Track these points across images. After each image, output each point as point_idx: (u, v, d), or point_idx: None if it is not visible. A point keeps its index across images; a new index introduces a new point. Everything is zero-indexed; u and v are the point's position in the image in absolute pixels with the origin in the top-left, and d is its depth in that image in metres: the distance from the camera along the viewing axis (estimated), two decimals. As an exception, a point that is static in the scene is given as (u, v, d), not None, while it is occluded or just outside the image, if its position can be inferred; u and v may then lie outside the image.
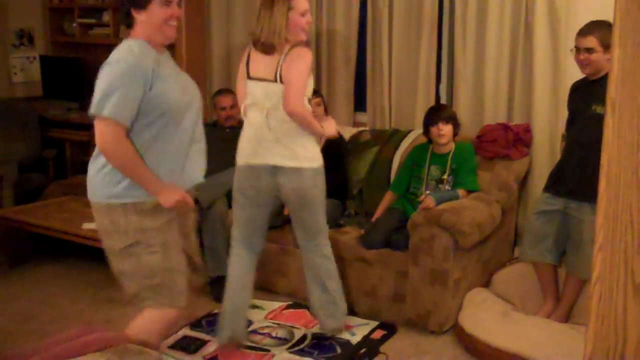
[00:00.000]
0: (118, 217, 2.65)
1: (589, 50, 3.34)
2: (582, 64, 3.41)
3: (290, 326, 3.82)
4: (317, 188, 3.34)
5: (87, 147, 5.76)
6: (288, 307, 4.06)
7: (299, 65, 3.23)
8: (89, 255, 4.63)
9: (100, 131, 2.58)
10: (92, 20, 6.11)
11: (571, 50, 3.47)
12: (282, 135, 3.26)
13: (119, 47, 2.64)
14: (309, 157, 3.30)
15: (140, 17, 2.62)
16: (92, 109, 2.57)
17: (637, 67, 1.43)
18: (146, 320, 2.77)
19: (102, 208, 2.68)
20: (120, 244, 2.68)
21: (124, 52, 2.59)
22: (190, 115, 2.73)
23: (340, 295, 3.57)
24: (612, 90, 1.49)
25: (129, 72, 2.54)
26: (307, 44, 3.45)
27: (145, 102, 2.57)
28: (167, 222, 2.69)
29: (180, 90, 2.69)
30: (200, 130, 2.81)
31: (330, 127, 3.40)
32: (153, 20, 2.61)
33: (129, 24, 2.66)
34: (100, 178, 2.66)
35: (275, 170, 3.30)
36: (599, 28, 3.30)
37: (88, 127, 5.74)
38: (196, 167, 2.81)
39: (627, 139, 1.46)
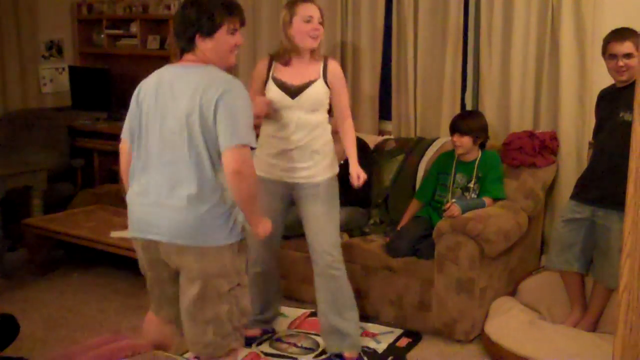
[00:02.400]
0: (226, 260, 2.56)
1: (628, 55, 3.31)
2: (619, 70, 3.36)
3: (315, 334, 3.81)
4: None
5: (115, 157, 5.82)
6: (312, 314, 4.06)
7: None
8: (117, 263, 4.69)
9: (241, 156, 2.48)
10: (120, 32, 6.19)
11: (610, 55, 3.40)
12: None
13: (220, 74, 2.58)
14: None
15: (205, 45, 2.57)
16: (238, 140, 2.48)
17: (665, 74, 1.43)
18: None
19: (211, 251, 2.55)
20: (224, 287, 2.58)
21: (233, 82, 2.56)
22: None
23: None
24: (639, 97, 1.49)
25: (247, 98, 2.58)
26: (316, 52, 3.43)
27: None
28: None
29: None
30: None
31: None
32: (219, 48, 2.58)
33: (188, 49, 2.61)
34: (213, 219, 2.53)
35: None
36: (632, 34, 3.28)
37: (116, 136, 5.81)
38: None
39: (655, 146, 1.45)
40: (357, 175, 3.45)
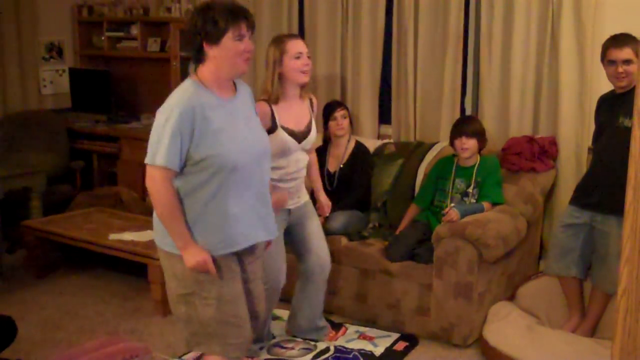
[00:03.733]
0: (176, 266, 2.62)
1: (627, 61, 3.32)
2: (618, 77, 3.37)
3: (312, 339, 3.81)
4: None
5: (114, 159, 5.83)
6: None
7: None
8: (115, 265, 4.69)
9: (150, 174, 2.54)
10: (120, 34, 6.20)
11: (609, 61, 3.40)
12: None
13: (177, 89, 2.61)
14: None
15: (212, 52, 2.56)
16: (148, 158, 2.54)
17: (664, 80, 1.43)
18: None
19: (162, 253, 2.68)
20: (177, 291, 2.66)
21: (177, 97, 2.56)
22: (246, 179, 2.63)
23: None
24: (639, 103, 1.49)
25: (176, 122, 2.50)
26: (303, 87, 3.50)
27: (192, 154, 2.55)
28: (225, 274, 2.65)
29: (234, 150, 2.59)
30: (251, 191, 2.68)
31: None
32: (226, 55, 2.56)
33: (200, 59, 2.61)
34: (159, 224, 2.64)
35: None
36: (631, 40, 3.28)
37: (115, 139, 5.84)
38: (231, 236, 2.67)
39: (654, 152, 1.45)
40: (327, 204, 3.81)
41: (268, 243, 2.91)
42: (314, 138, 3.58)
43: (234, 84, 2.72)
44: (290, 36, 3.54)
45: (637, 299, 1.47)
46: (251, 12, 5.11)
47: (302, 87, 3.49)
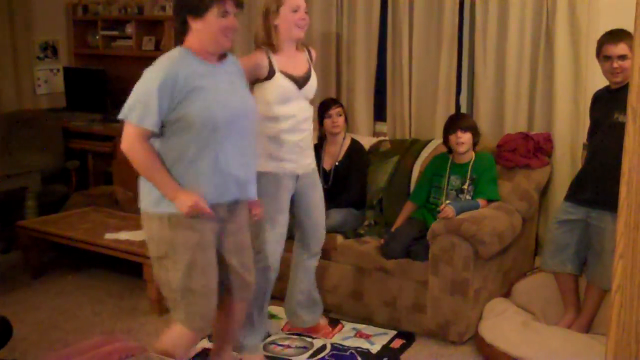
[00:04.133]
0: (153, 227, 2.70)
1: (622, 57, 3.32)
2: (614, 72, 3.38)
3: (308, 336, 3.81)
4: None
5: (109, 159, 5.82)
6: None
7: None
8: (111, 265, 4.68)
9: (124, 133, 2.64)
10: (115, 33, 6.19)
11: (604, 57, 3.42)
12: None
13: (166, 53, 2.69)
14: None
15: (196, 25, 2.64)
16: (122, 114, 2.63)
17: (657, 75, 1.43)
18: (170, 334, 2.81)
19: (143, 214, 2.76)
20: (153, 253, 2.74)
21: (164, 59, 2.65)
22: (229, 136, 2.71)
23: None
24: (633, 99, 1.50)
25: (159, 81, 2.58)
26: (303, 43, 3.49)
27: (176, 114, 2.61)
28: (200, 241, 2.69)
29: (217, 108, 2.67)
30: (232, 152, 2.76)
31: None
32: (209, 30, 2.63)
33: (184, 31, 2.68)
34: (142, 185, 2.73)
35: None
36: (627, 35, 3.29)
37: (111, 138, 5.82)
38: (211, 192, 2.74)
39: (648, 147, 1.46)
40: None
41: (255, 210, 3.04)
42: (315, 85, 3.50)
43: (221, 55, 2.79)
44: None
45: (631, 294, 1.48)
46: (246, 10, 5.12)
47: (297, 42, 3.43)
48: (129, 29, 6.07)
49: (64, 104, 6.36)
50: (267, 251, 3.44)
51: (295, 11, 3.31)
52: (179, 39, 2.73)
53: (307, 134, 3.48)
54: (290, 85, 3.36)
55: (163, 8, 5.82)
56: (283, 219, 3.47)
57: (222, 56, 2.80)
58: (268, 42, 3.34)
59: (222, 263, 2.87)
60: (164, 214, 2.67)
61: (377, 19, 4.83)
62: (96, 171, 6.08)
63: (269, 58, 3.33)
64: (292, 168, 3.43)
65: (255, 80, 3.33)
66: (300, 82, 3.40)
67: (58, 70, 6.40)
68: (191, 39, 2.68)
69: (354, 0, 4.86)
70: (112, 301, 4.36)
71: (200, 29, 2.64)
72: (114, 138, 5.77)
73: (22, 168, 5.16)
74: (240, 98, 2.82)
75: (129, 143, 2.62)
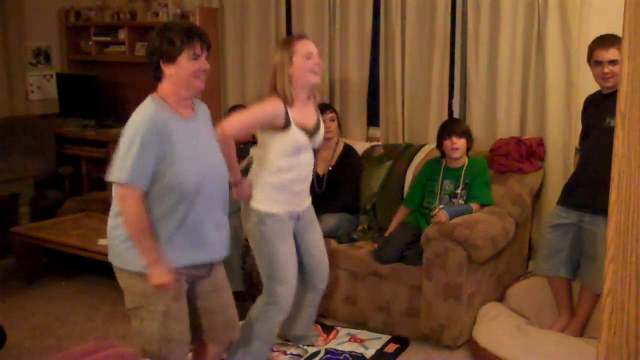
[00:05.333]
0: (124, 279, 2.70)
1: (613, 62, 3.34)
2: (605, 77, 3.40)
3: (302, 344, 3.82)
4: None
5: (102, 164, 5.81)
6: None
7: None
8: (104, 271, 4.64)
9: (123, 194, 2.58)
10: (108, 38, 6.19)
11: (595, 62, 3.44)
12: None
13: (140, 107, 2.65)
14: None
15: (169, 71, 2.62)
16: (115, 176, 2.58)
17: (646, 81, 1.45)
18: None
19: (115, 268, 2.75)
20: (128, 305, 2.73)
21: (141, 118, 2.59)
22: (204, 195, 2.66)
23: None
24: (622, 104, 1.51)
25: (143, 142, 2.53)
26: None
27: (156, 173, 2.58)
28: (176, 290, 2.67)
29: (192, 171, 2.63)
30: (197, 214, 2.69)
31: None
32: (181, 74, 2.61)
33: (158, 76, 2.66)
34: (112, 239, 2.71)
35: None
36: (617, 40, 3.30)
37: (104, 144, 5.82)
38: (185, 253, 2.69)
39: (637, 151, 1.47)
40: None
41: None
42: (322, 136, 3.47)
43: (193, 104, 2.76)
44: (299, 37, 3.38)
45: (622, 298, 1.49)
46: (239, 15, 5.16)
47: (311, 89, 3.37)
48: (122, 35, 6.07)
49: (57, 110, 6.35)
50: (282, 294, 3.35)
51: (308, 58, 3.25)
52: (155, 84, 2.71)
53: (307, 183, 3.44)
54: (304, 138, 3.29)
55: (156, 14, 5.82)
56: (294, 260, 3.40)
57: (192, 109, 2.76)
58: (283, 94, 3.24)
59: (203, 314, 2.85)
60: (141, 272, 2.63)
61: (369, 24, 4.85)
62: (89, 177, 6.09)
63: (285, 109, 3.25)
64: (294, 210, 3.38)
65: (264, 128, 3.27)
66: (312, 132, 3.35)
67: (51, 76, 6.39)
68: (166, 84, 2.66)
69: (346, 6, 4.89)
70: (106, 307, 4.35)
71: (173, 74, 2.62)
72: (107, 143, 5.77)
73: (15, 174, 5.16)
74: (214, 157, 2.78)
75: (127, 205, 2.57)
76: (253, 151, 3.52)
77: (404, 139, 4.80)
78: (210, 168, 2.71)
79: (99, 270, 4.71)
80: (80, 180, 6.10)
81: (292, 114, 3.27)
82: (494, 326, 3.64)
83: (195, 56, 2.62)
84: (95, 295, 4.53)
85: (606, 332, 1.52)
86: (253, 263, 4.20)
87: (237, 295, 4.08)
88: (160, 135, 2.55)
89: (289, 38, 3.45)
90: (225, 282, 2.90)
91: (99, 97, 6.13)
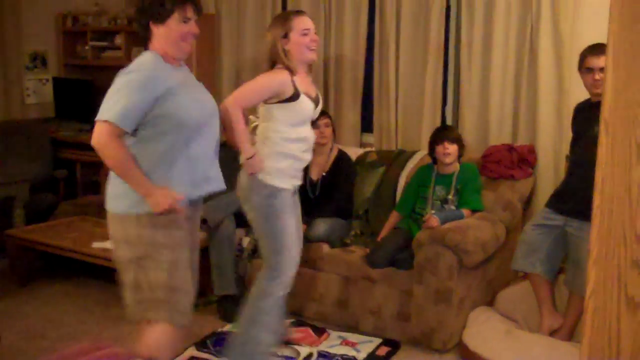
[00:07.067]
0: (130, 228, 2.69)
1: (604, 69, 3.37)
2: (596, 84, 3.44)
3: (294, 344, 3.84)
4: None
5: (97, 168, 5.84)
6: (291, 324, 4.09)
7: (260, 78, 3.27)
8: (98, 274, 4.69)
9: (97, 130, 2.65)
10: (104, 43, 6.22)
11: (587, 69, 3.48)
12: None
13: (137, 58, 2.73)
14: None
15: (158, 31, 2.70)
16: (98, 115, 2.66)
17: (629, 89, 1.50)
18: (152, 337, 2.78)
19: (116, 217, 2.74)
20: (130, 255, 2.71)
21: (139, 63, 2.69)
22: (204, 133, 2.77)
23: None
24: (606, 112, 1.56)
25: (139, 82, 2.62)
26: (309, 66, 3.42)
27: (156, 114, 2.64)
28: (180, 240, 2.73)
29: (195, 108, 2.74)
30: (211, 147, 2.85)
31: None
32: (170, 35, 2.69)
33: (146, 36, 2.74)
34: (116, 186, 2.72)
35: None
36: None
37: (99, 147, 5.83)
38: (187, 186, 2.78)
39: (620, 158, 1.52)
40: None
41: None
42: (321, 108, 3.48)
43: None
44: (296, 12, 3.36)
45: (604, 299, 1.53)
46: (235, 20, 5.17)
47: (309, 65, 3.38)
48: (119, 40, 6.10)
49: (52, 114, 6.37)
50: (287, 268, 3.33)
51: (305, 34, 3.26)
52: (144, 44, 2.78)
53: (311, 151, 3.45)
54: (312, 107, 3.31)
55: (152, 19, 5.85)
56: (299, 232, 3.44)
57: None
58: (286, 64, 3.24)
59: None
60: (142, 214, 2.66)
61: (364, 31, 4.90)
62: (84, 180, 6.10)
63: (292, 79, 3.24)
64: (296, 185, 3.39)
65: (270, 99, 3.24)
66: (316, 102, 3.37)
67: (47, 80, 6.41)
68: (155, 43, 2.73)
69: (341, 12, 4.93)
70: (100, 309, 4.37)
71: (162, 34, 2.69)
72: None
73: (10, 177, 5.18)
74: (210, 98, 2.91)
75: (103, 139, 2.62)
76: (253, 123, 3.50)
77: (397, 145, 4.84)
78: (208, 107, 2.82)
79: (93, 273, 4.74)
80: (75, 183, 6.12)
81: (300, 85, 3.26)
82: (484, 330, 3.68)
83: (185, 19, 2.69)
84: (89, 298, 4.55)
85: (589, 333, 1.56)
86: (245, 267, 4.26)
87: (229, 298, 4.16)
88: (158, 77, 2.64)
89: (286, 13, 3.46)
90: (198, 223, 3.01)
91: (95, 101, 6.05)
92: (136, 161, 2.66)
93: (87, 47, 6.30)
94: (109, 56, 6.23)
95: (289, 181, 3.30)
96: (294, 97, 3.21)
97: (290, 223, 3.31)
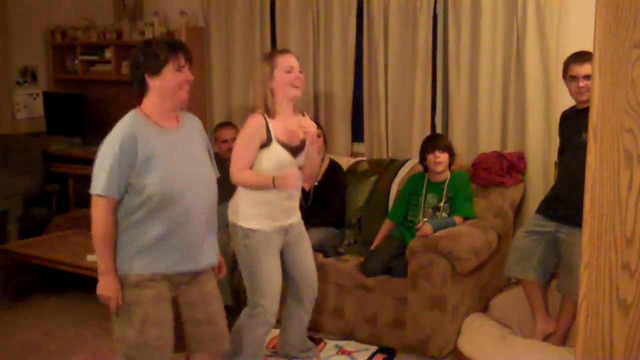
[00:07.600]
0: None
1: (588, 77, 3.42)
2: (580, 92, 3.48)
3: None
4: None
5: (89, 181, 5.83)
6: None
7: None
8: (93, 287, 4.66)
9: (94, 203, 2.70)
10: (94, 57, 6.23)
11: (571, 77, 3.53)
12: None
13: (119, 122, 2.74)
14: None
15: (154, 83, 2.70)
16: (91, 189, 2.70)
17: (616, 96, 1.54)
18: None
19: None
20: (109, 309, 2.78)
21: (118, 125, 2.71)
22: (172, 206, 2.69)
23: None
24: (594, 118, 1.60)
25: (114, 145, 2.65)
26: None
27: (132, 180, 2.66)
28: (153, 296, 2.71)
29: (165, 182, 2.67)
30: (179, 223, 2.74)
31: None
32: (167, 85, 2.69)
33: (142, 91, 2.74)
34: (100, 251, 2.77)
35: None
36: (591, 56, 3.38)
37: (91, 161, 5.79)
38: (162, 261, 2.74)
39: (609, 163, 1.56)
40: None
41: (219, 269, 3.05)
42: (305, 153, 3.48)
43: (180, 117, 2.83)
44: (282, 51, 3.46)
45: (596, 302, 1.56)
46: (224, 33, 5.21)
47: (294, 101, 3.41)
48: (108, 54, 6.12)
49: (43, 128, 6.38)
50: (264, 306, 3.41)
51: (289, 71, 3.32)
52: (138, 100, 2.78)
53: (294, 201, 3.48)
54: (286, 155, 3.34)
55: (142, 33, 5.88)
56: (278, 274, 3.45)
57: (177, 120, 2.83)
58: (264, 106, 3.32)
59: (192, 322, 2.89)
60: (128, 275, 2.72)
61: (352, 41, 4.93)
62: (77, 194, 6.10)
63: (266, 124, 3.32)
64: (281, 225, 3.43)
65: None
66: (296, 151, 3.39)
67: (37, 94, 6.42)
68: (150, 98, 2.73)
69: (330, 24, 4.97)
70: (95, 322, 4.36)
71: (158, 86, 2.70)
72: (94, 161, 5.79)
73: (3, 192, 5.17)
74: (198, 168, 2.83)
75: (97, 213, 2.67)
76: None
77: (388, 154, 4.87)
78: (194, 179, 2.76)
79: (88, 286, 4.71)
80: (68, 197, 6.12)
81: (275, 128, 3.32)
82: (478, 336, 3.70)
83: (179, 67, 2.71)
84: (84, 311, 4.55)
85: (582, 335, 1.59)
86: (241, 278, 4.27)
87: (225, 309, 4.15)
88: (136, 145, 2.63)
89: (272, 52, 3.54)
90: (216, 293, 2.94)
91: (86, 115, 6.16)
92: (126, 235, 2.71)
93: (76, 62, 6.32)
94: (99, 70, 6.24)
95: (267, 223, 3.36)
96: (267, 143, 3.31)
97: (267, 264, 3.37)
